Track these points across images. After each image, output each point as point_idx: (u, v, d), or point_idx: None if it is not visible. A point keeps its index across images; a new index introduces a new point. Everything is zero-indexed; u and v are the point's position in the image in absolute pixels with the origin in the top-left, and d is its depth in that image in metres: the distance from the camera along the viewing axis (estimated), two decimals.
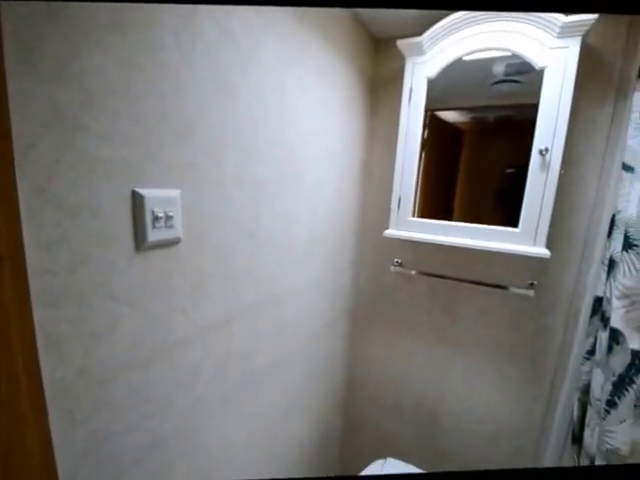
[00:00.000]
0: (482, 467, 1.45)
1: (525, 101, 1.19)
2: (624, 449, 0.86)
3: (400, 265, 1.42)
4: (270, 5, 0.83)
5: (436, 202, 1.39)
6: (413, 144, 1.25)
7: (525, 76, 1.13)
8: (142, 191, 0.62)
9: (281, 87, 0.91)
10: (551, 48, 0.99)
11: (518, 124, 1.28)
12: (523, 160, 1.25)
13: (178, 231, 0.70)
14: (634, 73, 0.98)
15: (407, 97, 1.23)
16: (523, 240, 1.13)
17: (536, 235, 1.11)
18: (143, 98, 0.60)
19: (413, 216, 1.28)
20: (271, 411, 1.11)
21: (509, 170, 1.29)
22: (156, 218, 0.66)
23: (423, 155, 1.28)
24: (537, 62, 1.02)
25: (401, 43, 1.18)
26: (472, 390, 1.41)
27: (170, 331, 0.72)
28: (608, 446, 0.89)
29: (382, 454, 1.42)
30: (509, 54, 1.09)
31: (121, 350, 0.63)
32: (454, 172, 1.38)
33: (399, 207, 1.29)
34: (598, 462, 0.92)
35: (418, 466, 1.36)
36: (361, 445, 1.71)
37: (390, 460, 1.37)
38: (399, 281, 1.48)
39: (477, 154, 1.36)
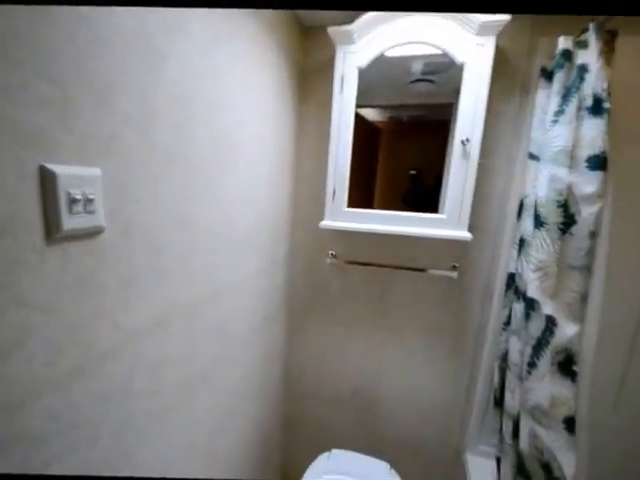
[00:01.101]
0: (413, 441, 1.54)
1: (438, 101, 1.29)
2: (545, 403, 0.98)
3: (335, 257, 1.42)
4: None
5: (364, 194, 1.42)
6: (346, 134, 1.25)
7: (440, 76, 1.22)
8: (54, 167, 0.50)
9: (214, 64, 0.82)
10: (470, 45, 1.08)
11: (430, 124, 1.38)
12: (428, 160, 1.36)
13: (100, 218, 0.58)
14: (535, 72, 1.12)
15: (339, 86, 1.22)
16: (448, 225, 1.22)
17: (459, 220, 1.20)
18: (54, 50, 0.48)
19: (348, 207, 1.29)
20: (212, 414, 1.02)
21: (412, 172, 1.39)
22: (73, 201, 0.53)
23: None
24: (458, 57, 1.10)
25: (332, 30, 1.17)
26: (405, 371, 1.49)
27: (95, 340, 0.60)
28: (532, 403, 1.00)
29: (325, 445, 1.41)
30: (428, 53, 1.15)
31: (34, 368, 0.50)
32: (374, 167, 1.44)
33: (334, 198, 1.28)
34: (523, 420, 1.03)
35: (363, 453, 1.38)
36: (304, 439, 1.69)
37: (335, 451, 1.37)
38: (334, 273, 1.48)
39: (392, 154, 1.44)
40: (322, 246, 1.46)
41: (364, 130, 1.36)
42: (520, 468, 1.04)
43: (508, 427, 1.12)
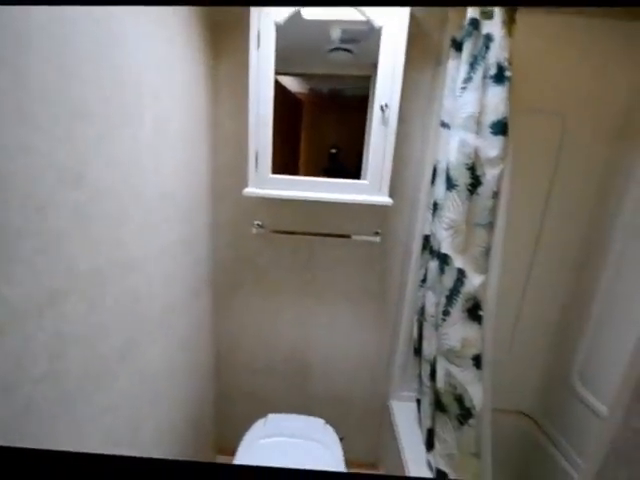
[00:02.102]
0: (343, 398, 1.63)
1: (357, 73, 1.31)
2: (457, 345, 1.10)
3: (261, 227, 1.38)
4: None
5: (288, 162, 1.40)
6: (266, 94, 1.20)
7: (358, 46, 1.23)
8: None
9: None
10: (387, 9, 1.09)
11: (350, 99, 1.40)
12: (348, 137, 1.39)
13: None
14: (447, 43, 1.18)
15: (255, 41, 1.15)
16: (371, 191, 1.26)
17: (381, 185, 1.26)
18: None
19: (272, 173, 1.25)
20: (132, 399, 0.94)
21: (332, 150, 1.41)
22: None
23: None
24: (376, 20, 1.11)
25: None
26: (334, 334, 1.55)
27: None
28: (446, 346, 1.12)
29: (261, 414, 1.41)
30: (346, 19, 1.15)
31: None
32: (298, 138, 1.42)
33: (257, 163, 1.24)
34: (439, 363, 1.15)
35: (298, 413, 1.43)
36: (239, 410, 1.68)
37: (271, 416, 1.39)
38: (261, 243, 1.45)
39: (314, 127, 1.43)
40: (247, 216, 1.41)
41: (286, 100, 1.32)
42: (437, 403, 1.17)
43: (426, 371, 1.25)
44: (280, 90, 1.24)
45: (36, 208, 0.58)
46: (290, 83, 1.32)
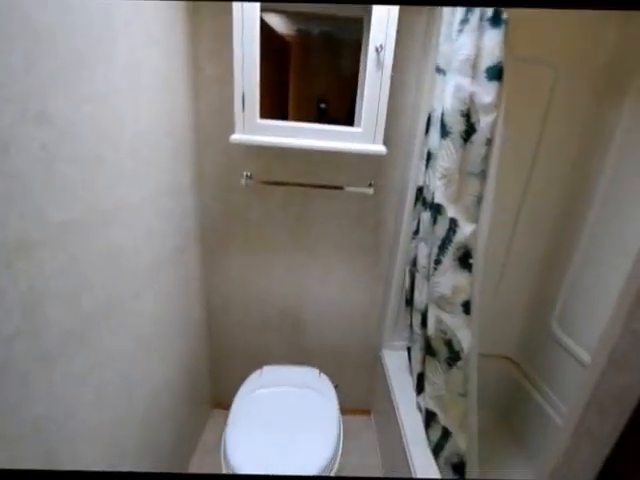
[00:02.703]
0: (337, 349, 1.68)
1: (349, 13, 1.24)
2: (448, 293, 1.13)
3: (250, 178, 1.35)
4: None
5: (277, 107, 1.35)
6: (252, 30, 1.11)
7: None
8: None
9: None
10: None
11: (339, 43, 1.34)
12: (338, 86, 1.34)
13: None
14: None
15: None
16: (364, 139, 1.24)
17: (375, 134, 1.23)
18: None
19: (260, 118, 1.21)
20: (121, 358, 0.92)
21: (321, 105, 1.37)
22: None
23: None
24: None
25: None
26: (327, 287, 1.57)
27: None
28: (437, 294, 1.14)
29: (256, 368, 1.44)
30: None
31: None
32: (286, 83, 1.37)
33: (244, 107, 1.19)
34: (430, 310, 1.18)
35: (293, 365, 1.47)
36: (234, 366, 1.71)
37: (266, 368, 1.42)
38: (250, 196, 1.43)
39: (302, 73, 1.38)
40: (235, 166, 1.37)
41: (273, 42, 1.26)
42: (428, 349, 1.21)
43: (417, 320, 1.28)
44: (266, 31, 1.17)
45: None
46: (277, 23, 1.25)
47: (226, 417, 1.22)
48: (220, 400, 1.76)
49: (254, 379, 1.38)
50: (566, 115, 1.34)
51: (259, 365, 1.46)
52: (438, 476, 1.14)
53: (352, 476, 1.53)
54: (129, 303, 0.95)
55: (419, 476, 1.13)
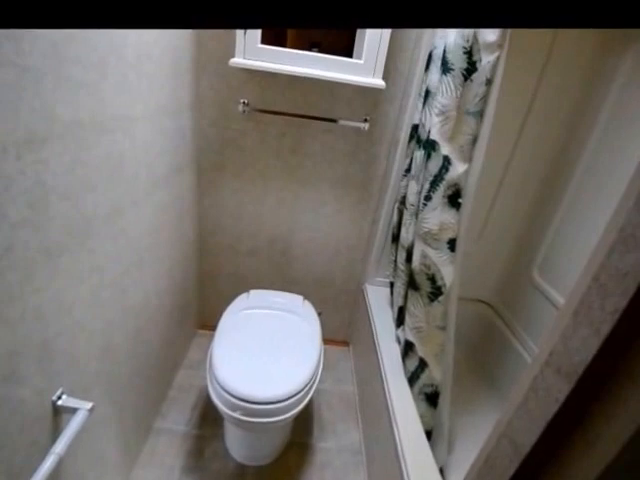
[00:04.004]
0: (321, 281, 1.74)
1: None
2: (435, 229, 1.16)
3: (247, 105, 1.31)
4: None
5: (275, 35, 1.30)
6: None
7: None
8: None
9: None
10: None
11: None
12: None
13: None
14: None
15: None
16: (364, 72, 1.21)
17: (375, 67, 1.21)
18: None
19: (262, 43, 1.16)
20: (117, 264, 0.94)
21: (314, 50, 1.31)
22: None
23: None
24: None
25: None
26: (317, 218, 1.60)
27: None
28: (425, 229, 1.18)
29: (243, 292, 1.48)
30: None
31: None
32: None
33: (245, 31, 1.14)
34: (416, 246, 1.22)
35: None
36: (221, 288, 1.76)
37: (253, 292, 1.47)
38: (247, 123, 1.40)
39: None
40: (233, 92, 1.33)
41: None
42: (411, 283, 1.27)
43: (402, 256, 1.33)
44: None
45: (7, 36, 0.53)
46: None
47: (211, 338, 1.27)
48: (206, 321, 1.82)
49: (241, 301, 1.43)
50: (565, 66, 1.32)
51: (246, 289, 1.50)
52: (411, 402, 1.23)
53: None
54: (128, 211, 0.97)
55: (395, 405, 1.20)
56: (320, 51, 1.31)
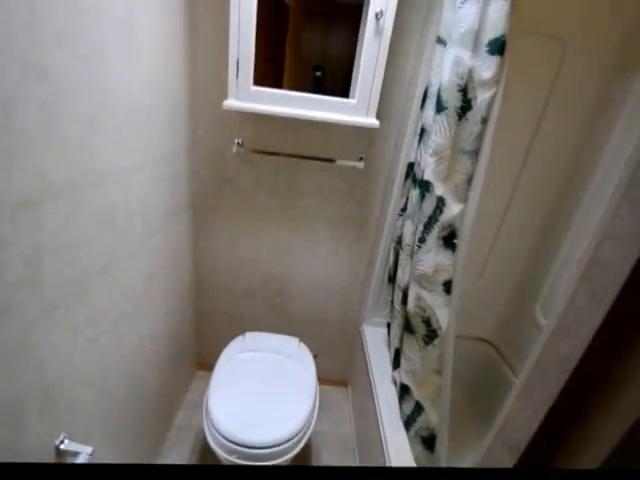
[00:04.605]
0: (319, 321, 1.70)
1: None
2: (430, 271, 1.13)
3: (242, 146, 1.32)
4: None
5: (271, 74, 1.31)
6: None
7: None
8: None
9: None
10: None
11: (339, 6, 1.28)
12: (335, 53, 1.28)
13: None
14: None
15: None
16: (358, 111, 1.20)
17: (369, 106, 1.20)
18: None
19: (255, 85, 1.17)
20: (112, 313, 0.95)
21: (317, 73, 1.32)
22: None
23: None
24: None
25: None
26: (313, 258, 1.58)
27: None
28: (419, 272, 1.14)
29: (240, 333, 1.47)
30: None
31: None
32: (282, 48, 1.32)
33: (238, 72, 1.15)
34: (411, 288, 1.18)
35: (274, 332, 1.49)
36: (218, 328, 1.74)
37: (249, 334, 1.45)
38: (242, 164, 1.40)
39: (300, 37, 1.32)
40: (227, 133, 1.34)
41: (271, 5, 1.20)
42: (406, 325, 1.22)
43: (398, 297, 1.29)
44: None
45: (0, 104, 0.54)
46: None
47: (209, 378, 1.26)
48: (204, 361, 1.79)
49: (237, 343, 1.41)
50: (571, 93, 1.27)
51: (242, 330, 1.49)
52: (407, 446, 1.18)
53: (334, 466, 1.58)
54: (123, 261, 0.97)
55: (390, 448, 1.16)
56: (322, 75, 1.32)
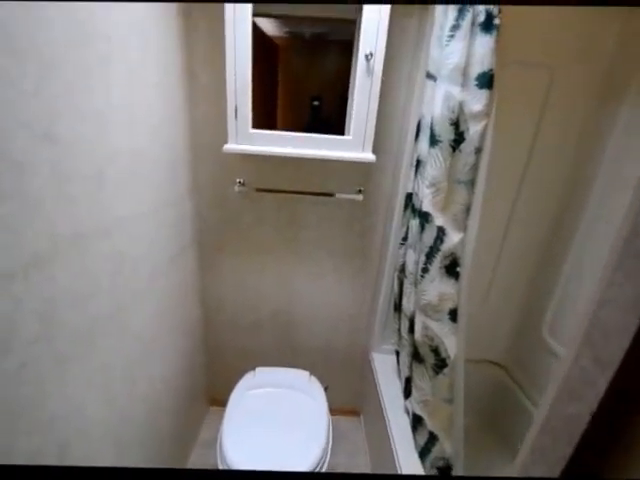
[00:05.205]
0: (327, 351, 1.70)
1: (340, 15, 1.23)
2: (434, 300, 1.13)
3: (243, 185, 1.35)
4: None
5: (266, 115, 1.34)
6: (244, 40, 1.11)
7: None
8: None
9: None
10: None
11: (333, 44, 1.32)
12: (331, 87, 1.32)
13: None
14: None
15: None
16: (354, 147, 1.23)
17: (364, 141, 1.23)
18: None
19: (253, 127, 1.20)
20: (124, 358, 0.96)
21: (314, 102, 1.35)
22: None
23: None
24: None
25: None
26: (318, 290, 1.59)
27: None
28: (424, 301, 1.15)
29: (250, 366, 1.47)
30: None
31: None
32: (275, 88, 1.36)
33: (237, 117, 1.18)
34: (417, 317, 1.19)
35: (284, 366, 1.49)
36: (228, 365, 1.74)
37: (259, 369, 1.45)
38: (244, 202, 1.43)
39: (293, 75, 1.36)
40: (228, 173, 1.38)
41: (263, 45, 1.24)
42: (415, 355, 1.22)
43: (405, 325, 1.29)
44: (258, 34, 1.16)
45: (10, 168, 0.56)
46: (267, 26, 1.24)
47: (222, 414, 1.26)
48: (216, 397, 1.79)
49: (247, 380, 1.41)
50: (561, 120, 1.31)
51: (253, 363, 1.48)
52: None
53: (339, 472, 1.56)
54: (132, 306, 0.99)
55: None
56: (321, 104, 1.35)
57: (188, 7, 1.19)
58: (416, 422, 1.24)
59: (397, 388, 1.44)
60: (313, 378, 1.45)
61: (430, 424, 1.21)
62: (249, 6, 1.08)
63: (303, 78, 1.36)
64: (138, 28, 0.92)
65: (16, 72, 0.56)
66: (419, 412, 1.23)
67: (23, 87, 0.58)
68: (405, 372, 1.34)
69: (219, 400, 1.71)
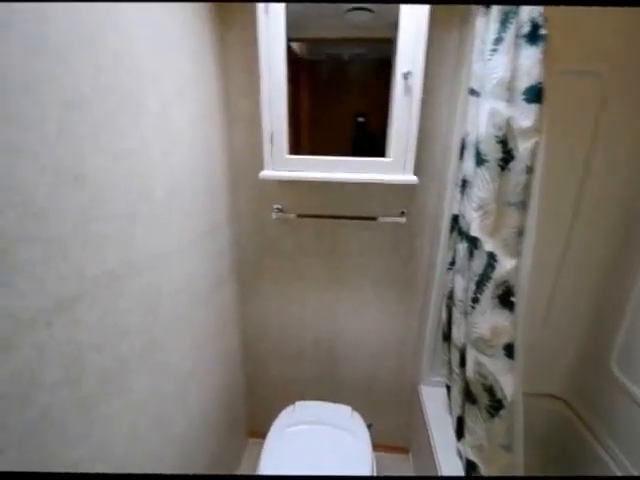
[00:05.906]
0: (372, 383, 1.61)
1: (377, 34, 1.20)
2: (487, 334, 1.03)
3: (281, 211, 1.35)
4: None
5: (304, 140, 1.34)
6: (278, 65, 1.11)
7: (379, 5, 1.13)
8: None
9: None
10: None
11: (372, 63, 1.30)
12: (375, 105, 1.28)
13: None
14: None
15: (263, 6, 1.07)
16: (395, 169, 1.18)
17: (405, 163, 1.17)
18: None
19: (289, 153, 1.20)
20: (156, 395, 0.94)
21: (359, 119, 1.32)
22: None
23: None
24: None
25: None
26: (361, 318, 1.53)
27: None
28: (476, 335, 1.05)
29: (290, 399, 1.44)
30: None
31: None
32: (314, 111, 1.35)
33: (272, 144, 1.19)
34: (469, 352, 1.08)
35: (325, 400, 1.43)
36: (269, 396, 1.71)
37: (299, 403, 1.40)
38: (283, 229, 1.42)
39: (334, 97, 1.35)
40: (266, 200, 1.38)
41: (300, 69, 1.25)
42: (467, 393, 1.11)
43: (455, 358, 1.19)
44: (293, 58, 1.16)
45: (34, 214, 0.56)
46: (303, 50, 1.24)
47: (261, 446, 1.23)
48: (255, 428, 1.76)
49: (287, 415, 1.37)
50: (620, 130, 1.18)
51: (293, 393, 1.45)
52: None
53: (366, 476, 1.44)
54: (167, 342, 0.97)
55: None
56: (367, 120, 1.31)
57: (222, 33, 1.21)
58: (470, 469, 1.12)
59: (448, 425, 1.32)
60: (355, 414, 1.37)
61: (485, 472, 1.08)
62: (283, 32, 1.08)
63: (343, 100, 1.35)
64: (173, 59, 0.93)
65: (34, 114, 0.55)
66: (472, 458, 1.11)
67: (46, 129, 0.57)
68: (457, 411, 1.22)
69: (258, 432, 1.66)
